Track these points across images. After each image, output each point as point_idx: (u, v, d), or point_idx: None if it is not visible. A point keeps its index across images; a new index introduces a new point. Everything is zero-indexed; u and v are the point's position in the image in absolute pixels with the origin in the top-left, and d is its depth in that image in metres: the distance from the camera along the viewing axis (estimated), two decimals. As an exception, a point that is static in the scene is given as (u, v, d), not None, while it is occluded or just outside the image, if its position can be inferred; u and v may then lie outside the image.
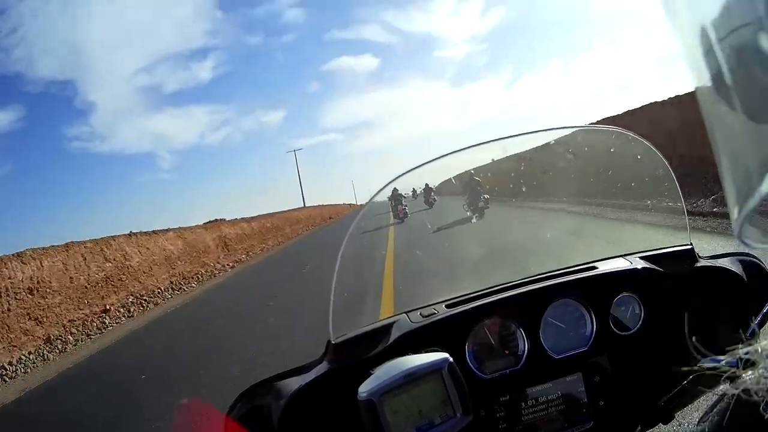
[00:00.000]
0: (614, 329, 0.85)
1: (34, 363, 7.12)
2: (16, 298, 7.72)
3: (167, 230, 12.80)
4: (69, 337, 8.35)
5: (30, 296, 8.01)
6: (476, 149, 0.92)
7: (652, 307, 0.85)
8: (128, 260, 10.64)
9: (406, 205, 11.06)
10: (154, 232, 12.19)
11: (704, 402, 0.78)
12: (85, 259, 9.60)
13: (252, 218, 20.51)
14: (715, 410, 0.57)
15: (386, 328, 0.85)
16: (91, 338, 8.52)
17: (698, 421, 0.61)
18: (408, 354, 0.72)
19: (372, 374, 0.68)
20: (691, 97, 7.62)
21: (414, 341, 0.78)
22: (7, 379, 6.52)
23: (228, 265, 14.67)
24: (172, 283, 11.59)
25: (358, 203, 69.31)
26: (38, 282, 8.25)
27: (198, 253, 13.66)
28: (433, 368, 0.67)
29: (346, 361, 0.79)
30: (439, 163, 0.88)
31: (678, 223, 0.96)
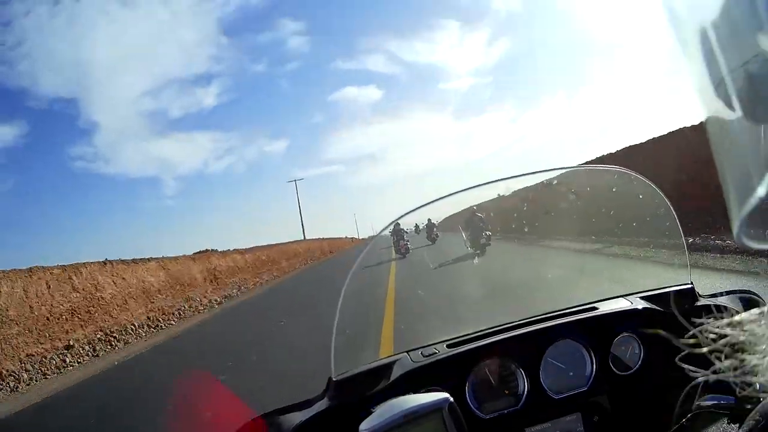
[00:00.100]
0: (614, 369, 0.87)
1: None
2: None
3: (148, 260, 11.82)
4: (23, 374, 7.29)
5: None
6: (481, 188, 0.95)
7: (651, 346, 0.87)
8: (100, 291, 9.61)
9: (408, 241, 11.31)
10: (133, 261, 11.21)
11: None
12: (49, 286, 8.60)
13: (246, 250, 19.50)
14: None
15: (387, 367, 0.88)
16: (47, 378, 7.51)
17: None
18: (409, 393, 0.73)
19: (373, 412, 0.69)
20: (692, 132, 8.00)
21: (415, 380, 0.82)
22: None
23: (215, 300, 13.55)
24: (149, 318, 10.47)
25: (360, 237, 71.02)
26: (-10, 310, 7.22)
27: (182, 287, 12.60)
28: (434, 408, 0.68)
29: (347, 398, 0.82)
30: (446, 199, 0.92)
31: (680, 261, 0.99)
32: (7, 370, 7.15)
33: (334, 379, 0.84)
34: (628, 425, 0.85)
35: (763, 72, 0.26)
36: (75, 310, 8.95)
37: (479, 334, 0.92)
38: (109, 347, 8.99)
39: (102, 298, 9.60)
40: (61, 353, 8.29)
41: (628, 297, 0.97)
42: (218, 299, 13.79)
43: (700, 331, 0.36)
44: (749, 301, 0.91)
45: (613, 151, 10.66)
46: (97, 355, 8.61)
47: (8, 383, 7.01)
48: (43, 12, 42.28)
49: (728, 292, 0.96)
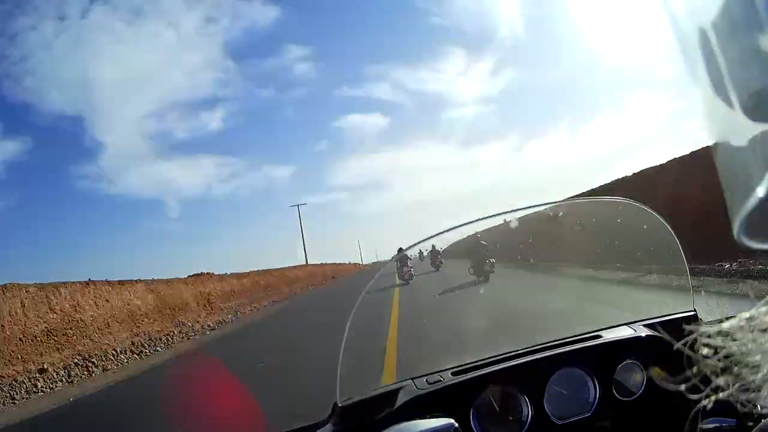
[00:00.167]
0: (617, 395, 0.90)
1: None
2: None
3: (136, 281, 11.24)
4: (-10, 396, 6.66)
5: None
6: (488, 221, 1.02)
7: (654, 372, 0.89)
8: (80, 312, 9.02)
9: (411, 267, 11.30)
10: (119, 282, 10.64)
11: None
12: (23, 305, 8.01)
13: (244, 274, 18.88)
14: None
15: (392, 394, 0.91)
16: (15, 403, 6.89)
17: None
18: (414, 419, 0.78)
19: None
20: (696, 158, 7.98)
21: (420, 407, 0.84)
22: None
23: (208, 325, 12.85)
24: (132, 344, 9.80)
25: (364, 263, 70.78)
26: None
27: (172, 311, 11.96)
28: None
29: (353, 424, 0.86)
30: (451, 224, 0.97)
31: (683, 288, 1.02)
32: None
33: (339, 405, 0.88)
34: None
35: (763, 72, 0.26)
36: (51, 332, 8.34)
37: (484, 362, 0.95)
38: (85, 373, 8.31)
39: (82, 320, 8.99)
40: (33, 377, 7.66)
41: (631, 325, 1.01)
42: (211, 325, 13.09)
43: (692, 342, 0.37)
44: None
45: (621, 177, 10.76)
46: (72, 381, 7.93)
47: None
48: (48, 28, 43.21)
49: (732, 318, 0.80)
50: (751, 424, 0.42)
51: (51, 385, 7.70)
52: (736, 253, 6.00)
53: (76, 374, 8.15)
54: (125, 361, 9.13)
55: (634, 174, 10.28)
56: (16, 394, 7.15)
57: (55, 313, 8.54)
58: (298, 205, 37.51)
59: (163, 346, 10.36)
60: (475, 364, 0.95)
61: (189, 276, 16.02)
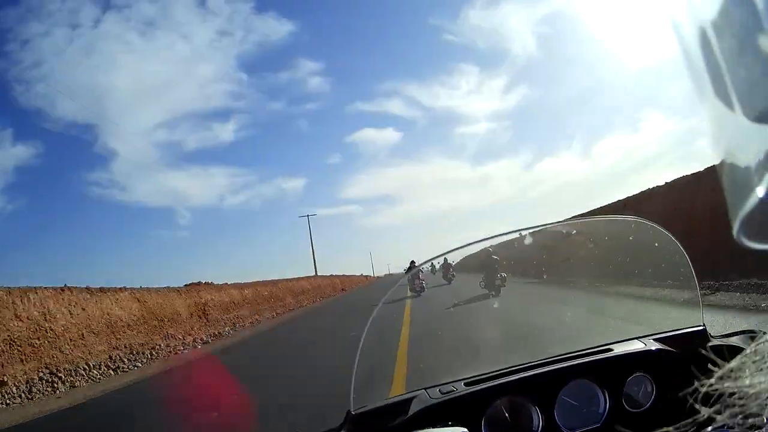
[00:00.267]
0: (627, 407, 0.93)
1: None
2: None
3: (120, 289, 10.45)
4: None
5: None
6: (501, 238, 1.07)
7: (664, 385, 0.93)
8: (50, 321, 8.22)
9: (423, 280, 10.93)
10: (100, 289, 9.85)
11: None
12: (-18, 313, 7.26)
13: (246, 284, 18.02)
14: None
15: (406, 403, 0.93)
16: None
17: None
18: (427, 428, 0.81)
19: None
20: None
21: (433, 416, 0.87)
22: None
23: (200, 339, 11.98)
24: (110, 357, 8.96)
25: (375, 275, 72.30)
26: None
27: (160, 322, 11.12)
28: None
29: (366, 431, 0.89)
30: (465, 238, 0.94)
31: (693, 304, 1.10)
32: None
33: (353, 413, 0.90)
34: None
35: (763, 72, 0.27)
36: (14, 341, 7.54)
37: (496, 373, 0.98)
38: (49, 389, 7.47)
39: (51, 329, 8.19)
40: (-12, 392, 6.86)
41: (642, 339, 1.04)
42: (204, 338, 12.21)
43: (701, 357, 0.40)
44: None
45: (631, 195, 11.13)
46: (32, 398, 7.10)
47: None
48: (61, 35, 44.43)
49: (739, 332, 1.01)
50: None
51: (8, 401, 6.89)
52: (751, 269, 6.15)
53: (39, 390, 7.32)
54: (97, 376, 8.28)
55: (666, 183, 10.35)
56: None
57: (20, 320, 7.76)
58: (307, 216, 37.26)
59: (144, 360, 9.50)
60: (488, 375, 0.98)
61: (187, 285, 15.26)
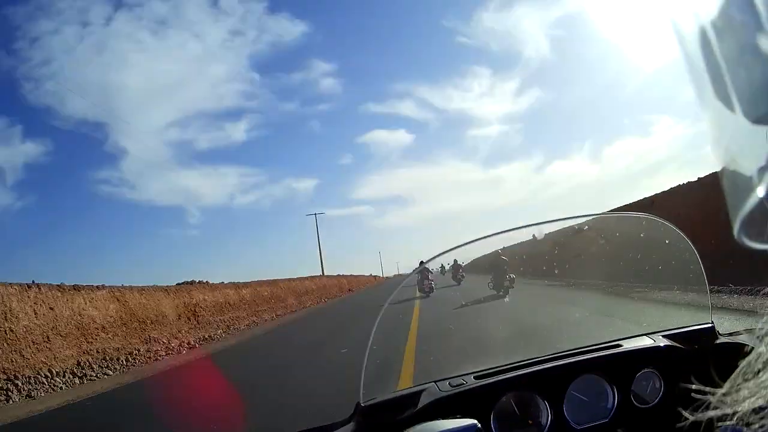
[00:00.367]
0: (635, 402, 0.95)
1: None
2: None
3: (97, 287, 9.69)
4: None
5: None
6: (510, 235, 1.06)
7: (671, 381, 0.94)
8: (10, 321, 7.48)
9: (432, 281, 11.77)
10: (74, 287, 9.10)
11: None
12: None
13: (244, 284, 17.24)
14: None
15: (415, 395, 0.95)
16: None
17: None
18: (437, 420, 0.81)
19: None
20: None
21: (443, 408, 0.88)
22: None
23: (187, 343, 11.19)
24: (79, 364, 8.19)
25: (384, 275, 74.50)
26: None
27: (142, 324, 10.34)
28: None
29: (375, 423, 0.90)
30: (472, 243, 1.01)
31: (702, 301, 1.12)
32: None
33: (362, 404, 0.92)
34: None
35: (763, 72, 0.27)
36: (-35, 346, 6.81)
37: (506, 367, 0.99)
38: (2, 398, 6.72)
39: (12, 330, 7.45)
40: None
41: (651, 335, 1.06)
42: (192, 342, 11.42)
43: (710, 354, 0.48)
44: None
45: (659, 192, 10.86)
46: (-23, 411, 6.36)
47: None
48: (71, 33, 44.83)
49: (747, 330, 1.02)
50: None
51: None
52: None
53: (-11, 402, 6.58)
54: (60, 385, 7.51)
55: (699, 180, 9.97)
56: None
57: (-27, 321, 7.03)
58: (315, 214, 36.99)
59: (118, 367, 8.71)
60: (497, 369, 1.00)
61: (179, 284, 14.53)
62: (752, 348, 0.37)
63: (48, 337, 8.01)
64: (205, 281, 15.39)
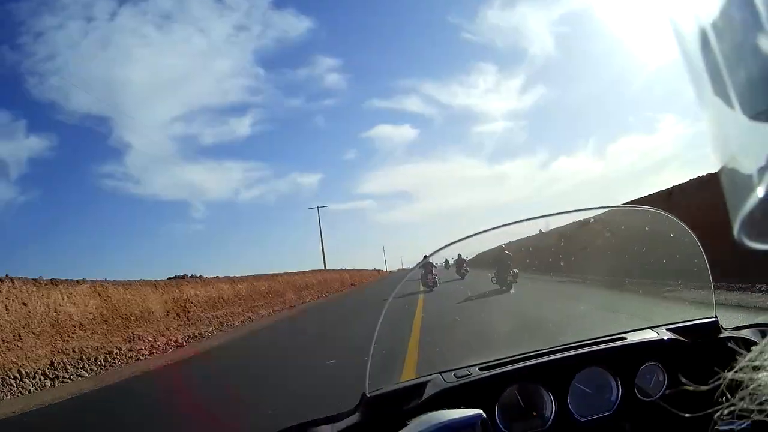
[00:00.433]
0: (638, 395, 0.96)
1: None
2: None
3: (77, 282, 9.27)
4: None
5: None
6: (520, 225, 1.08)
7: (675, 375, 0.95)
8: (-25, 320, 7.04)
9: (436, 275, 11.73)
10: (51, 281, 8.69)
11: None
12: None
13: (240, 278, 16.82)
14: None
15: (421, 386, 0.96)
16: None
17: None
18: (443, 409, 0.81)
19: (408, 425, 0.77)
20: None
21: (448, 399, 0.89)
22: None
23: (174, 341, 10.76)
24: (52, 364, 7.77)
25: (387, 270, 75.46)
26: None
27: (125, 321, 9.93)
28: (467, 423, 0.75)
29: (381, 413, 0.91)
30: (475, 237, 1.02)
31: (706, 296, 1.12)
32: None
33: (368, 395, 0.93)
34: None
35: (763, 72, 0.27)
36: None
37: (511, 359, 1.01)
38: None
39: (-23, 330, 7.02)
40: None
41: (655, 328, 1.06)
42: (180, 340, 10.99)
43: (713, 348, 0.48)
44: None
45: (676, 184, 10.69)
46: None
47: None
48: (76, 28, 44.97)
49: (751, 326, 1.04)
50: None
51: None
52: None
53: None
54: (29, 388, 7.09)
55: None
56: None
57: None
58: (317, 207, 37.02)
59: (95, 368, 8.29)
60: (502, 360, 1.01)
61: (170, 278, 14.13)
62: (755, 343, 0.37)
63: (19, 335, 7.60)
64: (198, 276, 14.99)
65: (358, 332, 7.60)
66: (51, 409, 5.95)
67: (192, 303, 12.78)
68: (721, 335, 1.01)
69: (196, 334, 11.86)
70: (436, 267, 11.58)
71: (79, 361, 8.23)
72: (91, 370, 8.18)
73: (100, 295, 9.58)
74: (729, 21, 0.28)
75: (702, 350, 0.96)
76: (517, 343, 1.16)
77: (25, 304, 7.90)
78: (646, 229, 1.24)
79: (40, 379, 7.37)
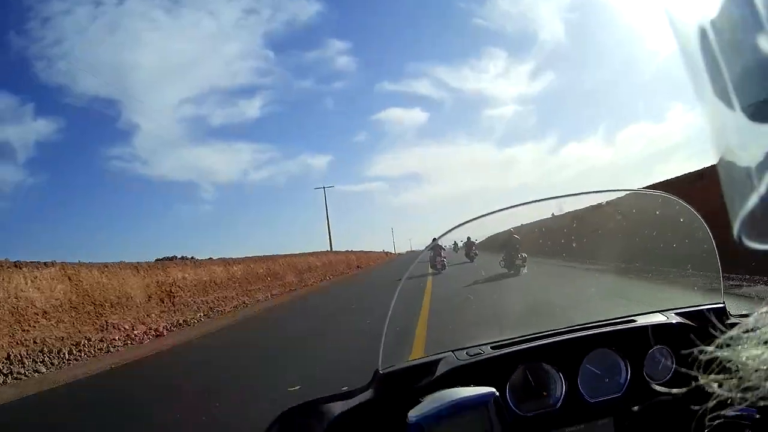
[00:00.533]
0: (647, 378, 0.98)
1: None
2: None
3: (45, 264, 8.61)
4: None
5: None
6: (528, 208, 1.09)
7: (683, 359, 0.93)
8: None
9: (444, 257, 12.06)
10: (15, 264, 8.03)
11: None
12: None
13: (236, 260, 16.16)
14: None
15: (433, 364, 0.98)
16: None
17: None
18: (455, 387, 0.82)
19: (421, 401, 0.78)
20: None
21: (460, 377, 0.91)
22: None
23: (154, 330, 10.15)
24: (8, 357, 7.17)
25: (396, 252, 76.85)
26: None
27: (99, 308, 9.30)
28: (480, 401, 0.76)
29: (394, 390, 0.93)
30: (488, 218, 1.04)
31: (715, 282, 1.14)
32: None
33: (381, 372, 0.95)
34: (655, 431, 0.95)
35: (763, 72, 0.27)
36: None
37: (522, 338, 1.04)
38: None
39: None
40: None
41: (664, 312, 1.10)
42: (162, 329, 10.39)
43: (721, 332, 0.40)
44: None
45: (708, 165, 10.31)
46: None
47: None
48: (84, 13, 44.96)
49: (758, 313, 0.87)
50: None
51: None
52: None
53: None
54: (-23, 386, 6.49)
55: None
56: None
57: None
58: (323, 187, 36.59)
59: (58, 361, 7.69)
60: (515, 339, 1.04)
61: (158, 260, 13.52)
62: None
63: (-30, 325, 6.98)
64: (190, 257, 14.36)
65: (343, 337, 6.87)
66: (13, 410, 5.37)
67: (179, 287, 12.15)
68: (728, 321, 0.83)
69: (180, 321, 11.27)
70: (444, 249, 11.69)
71: (40, 354, 7.63)
72: (52, 364, 7.58)
73: (70, 279, 8.95)
74: (728, 18, 0.29)
75: (709, 336, 0.72)
76: (527, 325, 1.18)
77: (-21, 290, 7.27)
78: (657, 213, 1.25)
79: (-10, 374, 6.78)
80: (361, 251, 41.15)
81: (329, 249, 30.93)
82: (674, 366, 0.98)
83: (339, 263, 28.50)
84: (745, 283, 6.09)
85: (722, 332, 0.39)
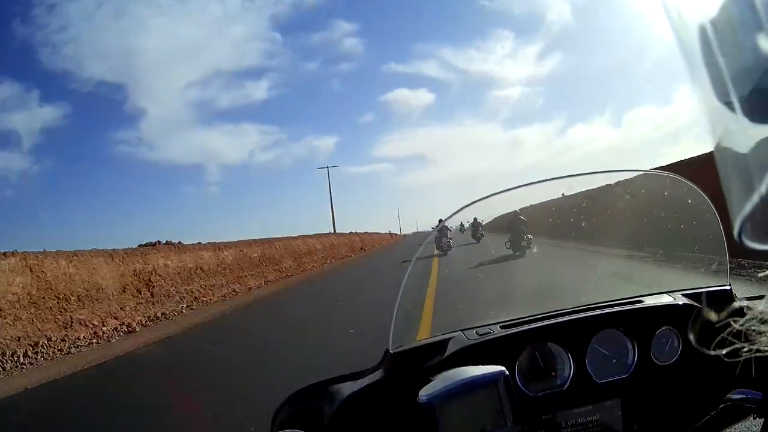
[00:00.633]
0: (654, 359, 1.00)
1: None
2: None
3: (8, 254, 8.00)
4: None
5: None
6: (538, 189, 1.09)
7: (689, 341, 0.96)
8: None
9: (450, 239, 12.29)
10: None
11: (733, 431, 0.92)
12: None
13: (227, 244, 15.52)
14: None
15: (443, 343, 1.00)
16: None
17: None
18: (465, 366, 0.84)
19: (432, 380, 0.80)
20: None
21: (470, 356, 0.93)
22: None
23: (127, 325, 9.57)
24: (-49, 361, 6.59)
25: (402, 233, 77.56)
26: None
27: (63, 302, 8.72)
28: (490, 379, 0.78)
29: (404, 369, 0.94)
30: (496, 198, 1.05)
31: (721, 265, 1.14)
32: None
33: (391, 351, 0.97)
34: (662, 413, 0.97)
35: (763, 72, 0.28)
36: None
37: (531, 318, 1.05)
38: None
39: None
40: None
41: (671, 293, 1.11)
42: (135, 324, 9.81)
43: (726, 315, 0.45)
44: None
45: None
46: None
47: None
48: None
49: (762, 296, 0.91)
50: None
51: None
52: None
53: None
54: None
55: None
56: None
57: None
58: (327, 167, 36.17)
59: (8, 366, 7.12)
60: (524, 319, 1.06)
61: (141, 245, 12.92)
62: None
63: None
64: (176, 242, 13.73)
65: (333, 335, 6.16)
66: None
67: (159, 276, 11.55)
68: (734, 303, 0.85)
69: (158, 314, 10.70)
70: (450, 231, 11.86)
71: (-11, 357, 7.08)
72: (3, 369, 7.03)
73: (32, 270, 8.35)
74: (730, 21, 0.29)
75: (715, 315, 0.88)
76: (535, 305, 1.19)
77: None
78: (665, 194, 1.28)
79: (-74, 383, 6.23)
80: (366, 233, 40.66)
81: (333, 230, 30.36)
82: (681, 348, 1.00)
83: (341, 246, 27.82)
84: (749, 265, 6.23)
85: (732, 313, 0.42)
